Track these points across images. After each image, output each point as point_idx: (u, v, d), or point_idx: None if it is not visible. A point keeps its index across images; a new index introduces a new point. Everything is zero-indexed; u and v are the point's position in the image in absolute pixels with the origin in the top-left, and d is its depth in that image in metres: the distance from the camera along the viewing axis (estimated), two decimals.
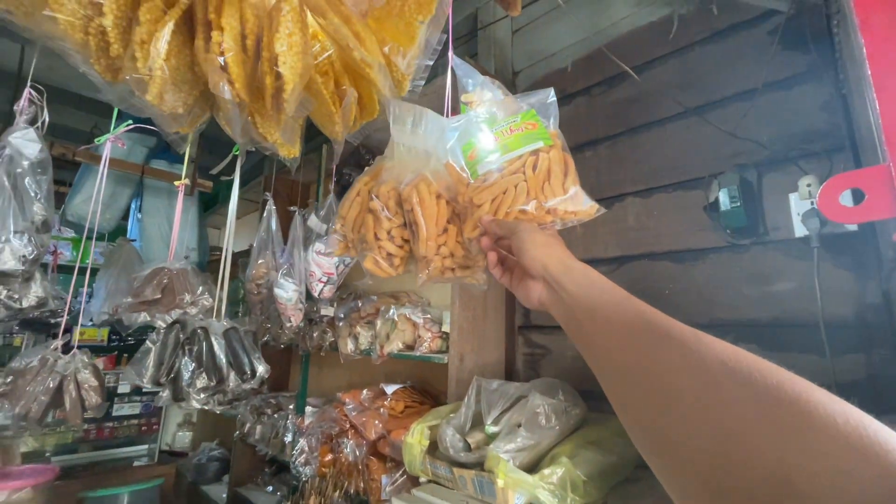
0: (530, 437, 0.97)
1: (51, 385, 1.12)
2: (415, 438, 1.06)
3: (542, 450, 0.99)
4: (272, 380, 2.69)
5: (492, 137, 0.61)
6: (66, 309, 1.33)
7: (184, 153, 2.33)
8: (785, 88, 1.15)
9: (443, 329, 1.48)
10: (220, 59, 0.48)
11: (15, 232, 1.00)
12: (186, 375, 1.12)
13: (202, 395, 1.13)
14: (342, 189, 1.76)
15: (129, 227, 2.93)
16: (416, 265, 0.63)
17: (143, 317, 1.14)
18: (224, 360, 1.16)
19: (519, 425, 1.01)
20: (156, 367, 1.12)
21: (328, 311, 1.68)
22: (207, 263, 3.21)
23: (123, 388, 3.35)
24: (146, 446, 3.26)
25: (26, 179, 1.04)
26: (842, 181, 0.53)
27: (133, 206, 2.92)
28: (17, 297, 1.15)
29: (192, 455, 3.25)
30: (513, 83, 1.84)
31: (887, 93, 0.51)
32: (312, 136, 2.38)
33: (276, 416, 2.16)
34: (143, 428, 3.24)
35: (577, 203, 0.60)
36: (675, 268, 1.29)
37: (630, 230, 1.39)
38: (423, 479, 1.08)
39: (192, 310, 1.17)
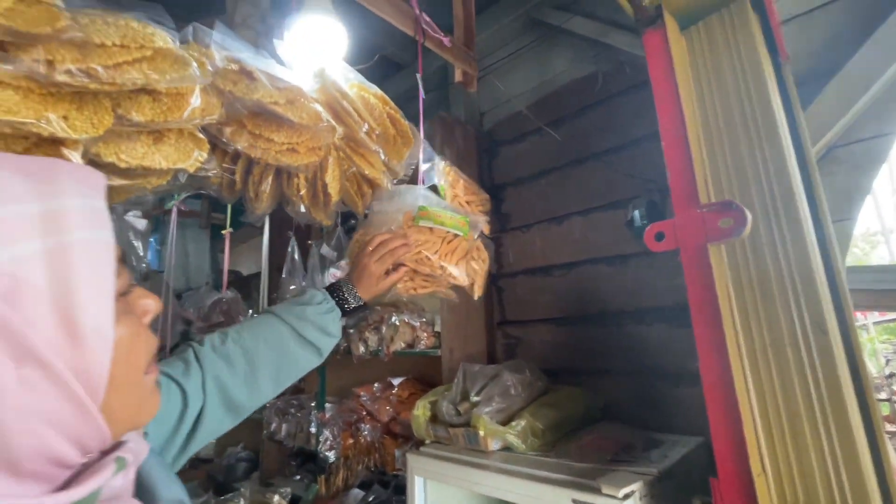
0: (503, 402, 1.34)
1: None
2: (420, 411, 1.43)
3: (513, 411, 1.37)
4: (291, 386, 3.03)
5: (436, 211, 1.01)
6: None
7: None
8: None
9: (436, 329, 1.86)
10: (298, 193, 0.85)
11: None
12: None
13: None
14: (343, 220, 2.13)
15: (150, 258, 3.28)
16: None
17: None
18: None
19: (495, 395, 1.38)
20: None
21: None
22: (221, 285, 3.56)
23: None
24: None
25: (135, 243, 1.40)
26: (655, 227, 0.92)
27: (152, 239, 3.26)
28: None
29: (219, 460, 3.58)
30: (480, 122, 2.21)
31: (672, 176, 0.90)
32: None
33: (298, 414, 2.51)
34: None
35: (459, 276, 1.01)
36: (609, 269, 1.67)
37: (576, 242, 1.78)
38: (427, 442, 1.45)
39: None
